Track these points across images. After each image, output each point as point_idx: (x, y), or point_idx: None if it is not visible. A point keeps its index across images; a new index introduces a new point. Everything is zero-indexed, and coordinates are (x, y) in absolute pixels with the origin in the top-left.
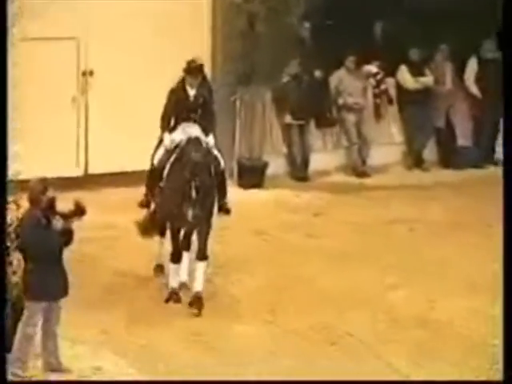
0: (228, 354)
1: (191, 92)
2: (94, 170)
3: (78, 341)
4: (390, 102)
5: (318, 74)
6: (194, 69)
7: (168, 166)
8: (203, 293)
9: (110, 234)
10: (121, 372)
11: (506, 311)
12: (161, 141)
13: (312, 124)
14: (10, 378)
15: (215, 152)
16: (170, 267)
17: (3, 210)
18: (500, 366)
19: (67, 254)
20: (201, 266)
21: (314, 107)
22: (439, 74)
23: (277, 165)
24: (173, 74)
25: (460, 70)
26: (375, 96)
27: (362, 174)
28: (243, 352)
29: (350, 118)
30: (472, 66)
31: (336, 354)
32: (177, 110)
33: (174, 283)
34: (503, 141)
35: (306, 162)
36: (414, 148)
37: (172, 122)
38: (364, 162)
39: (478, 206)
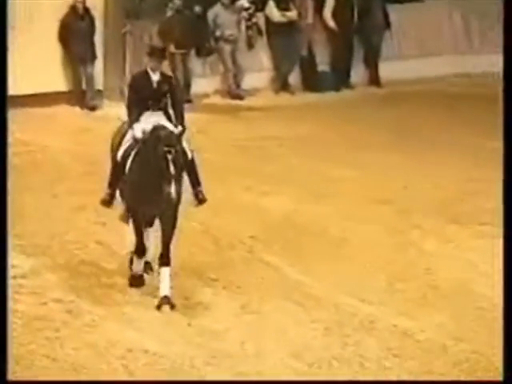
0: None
1: (154, 77)
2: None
3: None
4: (260, 33)
5: (197, 9)
6: (155, 51)
7: (131, 158)
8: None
9: (29, 149)
10: (32, 266)
11: (506, 312)
12: (123, 136)
13: (193, 53)
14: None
15: (183, 143)
16: (161, 271)
17: None
18: (500, 366)
19: None
20: (165, 272)
21: (194, 38)
22: (302, 9)
23: None
24: None
25: (320, 7)
26: (247, 28)
27: (236, 97)
28: None
29: (226, 47)
30: (329, 2)
31: (218, 252)
32: (140, 97)
33: (165, 291)
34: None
35: (188, 86)
36: (280, 74)
37: (136, 111)
38: (238, 86)
39: (338, 122)
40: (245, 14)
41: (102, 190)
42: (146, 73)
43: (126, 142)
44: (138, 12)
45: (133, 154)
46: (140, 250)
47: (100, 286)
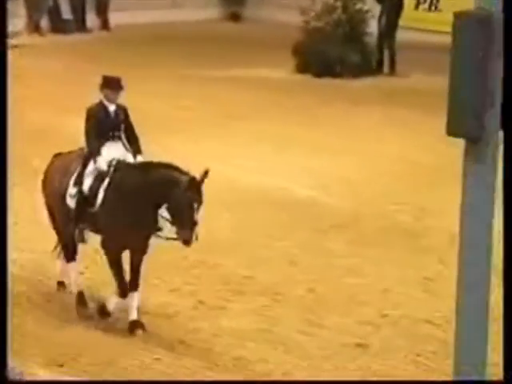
0: None
1: (111, 108)
2: None
3: None
4: None
5: None
6: (112, 82)
7: (103, 190)
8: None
9: None
10: None
11: (506, 313)
12: (85, 165)
13: None
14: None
15: None
16: (131, 296)
17: None
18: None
19: None
20: (135, 296)
21: None
22: None
23: None
24: None
25: None
26: None
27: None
28: None
29: None
30: None
31: None
32: (100, 128)
33: (134, 315)
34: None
35: None
36: (33, 20)
37: (98, 143)
38: None
39: (79, 57)
40: None
41: None
42: (102, 104)
43: (90, 174)
44: None
45: (104, 185)
46: (123, 290)
47: None
